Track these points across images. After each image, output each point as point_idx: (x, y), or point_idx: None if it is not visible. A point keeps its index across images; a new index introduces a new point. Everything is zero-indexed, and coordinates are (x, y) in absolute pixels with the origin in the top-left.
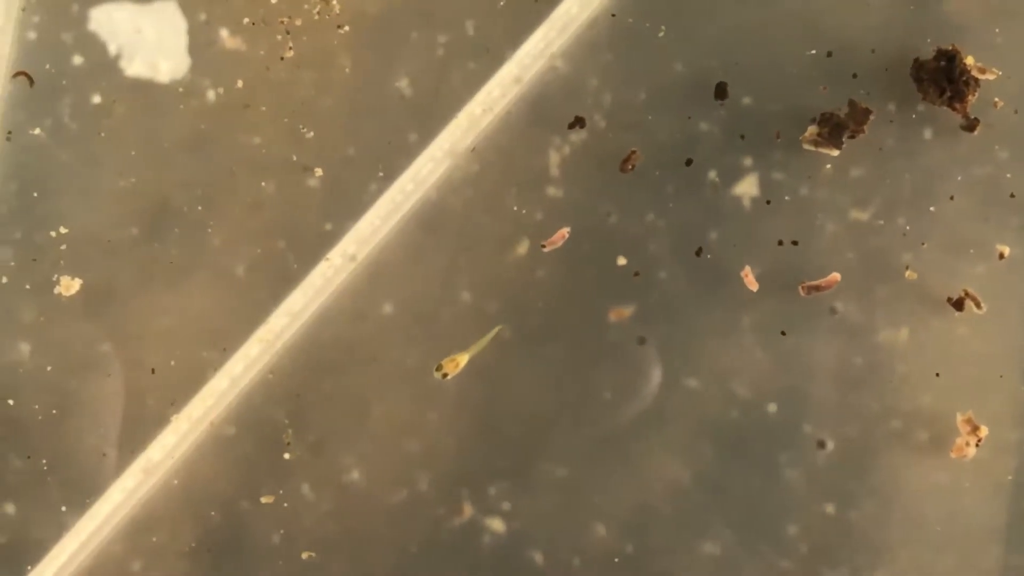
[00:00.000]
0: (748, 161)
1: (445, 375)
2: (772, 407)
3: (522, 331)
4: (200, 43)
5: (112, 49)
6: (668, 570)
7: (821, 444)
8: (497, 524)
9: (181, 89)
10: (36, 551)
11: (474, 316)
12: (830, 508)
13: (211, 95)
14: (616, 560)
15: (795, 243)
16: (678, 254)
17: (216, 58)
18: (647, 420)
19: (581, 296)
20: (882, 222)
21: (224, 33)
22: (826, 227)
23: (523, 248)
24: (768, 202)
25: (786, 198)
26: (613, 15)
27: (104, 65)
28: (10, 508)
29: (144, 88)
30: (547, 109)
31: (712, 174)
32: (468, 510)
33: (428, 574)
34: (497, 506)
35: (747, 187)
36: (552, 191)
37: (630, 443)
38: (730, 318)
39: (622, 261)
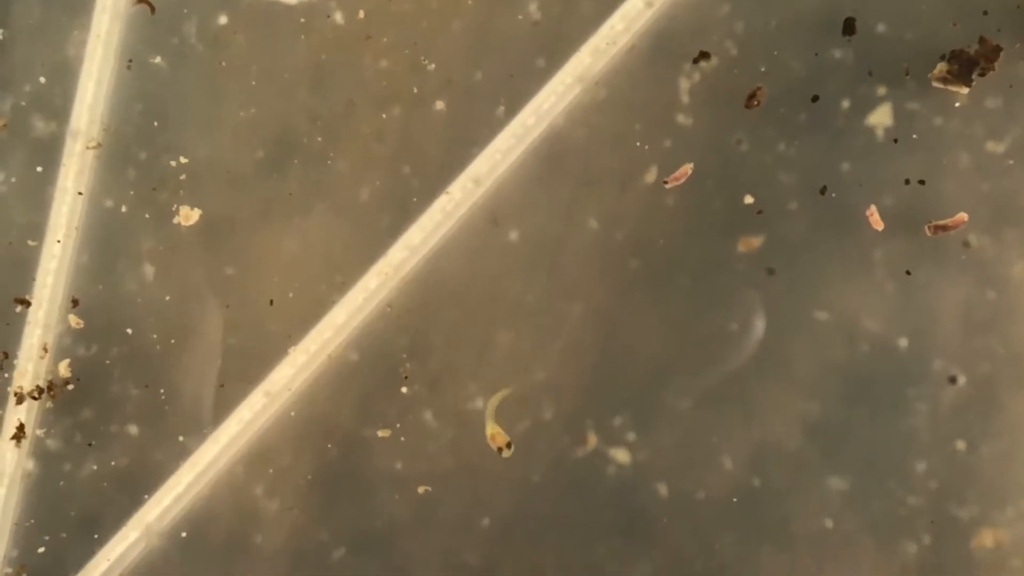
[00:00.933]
0: (881, 92)
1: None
2: (902, 342)
3: (648, 262)
4: None
5: None
6: (794, 505)
7: (952, 380)
8: (622, 455)
9: (303, 19)
10: (155, 477)
11: (599, 247)
12: (960, 445)
13: (337, 18)
14: (741, 495)
15: (922, 182)
16: (803, 192)
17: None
18: (772, 355)
19: (708, 229)
20: (1012, 161)
21: None
22: (954, 166)
23: (650, 176)
24: (896, 140)
25: (913, 136)
26: None
27: None
28: (133, 430)
29: (267, 11)
30: (674, 41)
31: (845, 103)
32: (593, 440)
33: (550, 506)
34: (622, 437)
35: (880, 118)
36: (681, 120)
37: (754, 378)
38: (856, 256)
39: (748, 200)
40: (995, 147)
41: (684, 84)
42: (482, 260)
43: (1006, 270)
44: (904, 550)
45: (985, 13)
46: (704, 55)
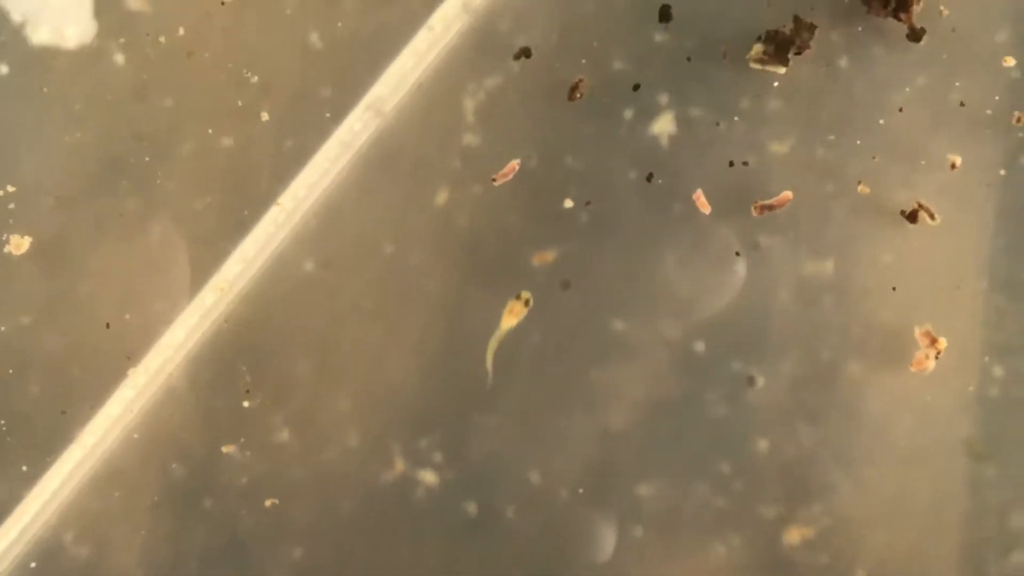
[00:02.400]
0: (695, 84)
1: None
2: (698, 346)
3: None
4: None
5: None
6: (604, 515)
7: (751, 381)
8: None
9: (122, 39)
10: (0, 509)
11: (434, 253)
12: (762, 445)
13: (159, 39)
14: (550, 509)
15: (746, 163)
16: (629, 181)
17: (124, 19)
18: (571, 367)
19: (503, 244)
20: (832, 137)
21: None
22: (776, 146)
23: (442, 197)
24: (718, 124)
25: (735, 119)
26: None
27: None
28: None
29: (55, 51)
30: (493, 38)
31: (663, 98)
32: (400, 465)
33: (393, 515)
34: (429, 458)
35: (694, 111)
36: (498, 120)
37: (556, 391)
38: (683, 241)
39: (568, 203)
40: (808, 131)
41: (470, 104)
42: (317, 270)
43: (827, 252)
44: (714, 552)
45: None
46: (524, 50)
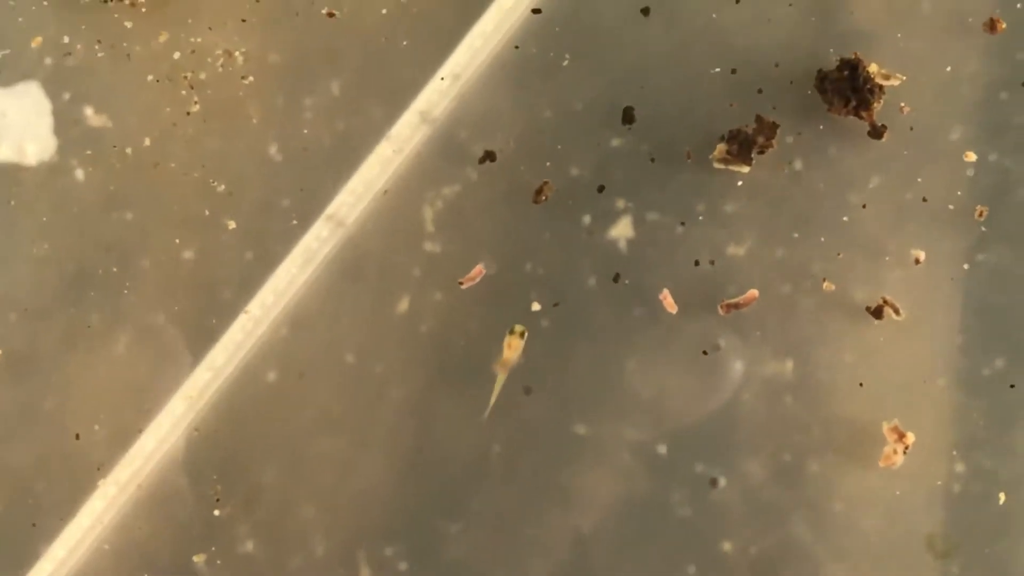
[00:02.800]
0: (659, 184)
1: None
2: (661, 448)
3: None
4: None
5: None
6: None
7: (713, 483)
8: None
9: (88, 151)
10: None
11: (399, 360)
12: (727, 546)
13: (127, 151)
14: None
15: (712, 263)
16: (595, 282)
17: (86, 135)
18: (537, 473)
19: (462, 352)
20: (797, 235)
21: (89, 112)
22: (741, 245)
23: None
24: (682, 224)
25: (700, 218)
26: (516, 47)
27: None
28: None
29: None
30: (457, 144)
31: (621, 202)
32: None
33: None
34: (395, 567)
35: (656, 213)
36: (462, 227)
37: (522, 495)
38: (649, 342)
39: (536, 306)
40: (774, 229)
41: (429, 212)
42: (287, 377)
43: (794, 349)
44: None
45: (760, 91)
46: (489, 154)
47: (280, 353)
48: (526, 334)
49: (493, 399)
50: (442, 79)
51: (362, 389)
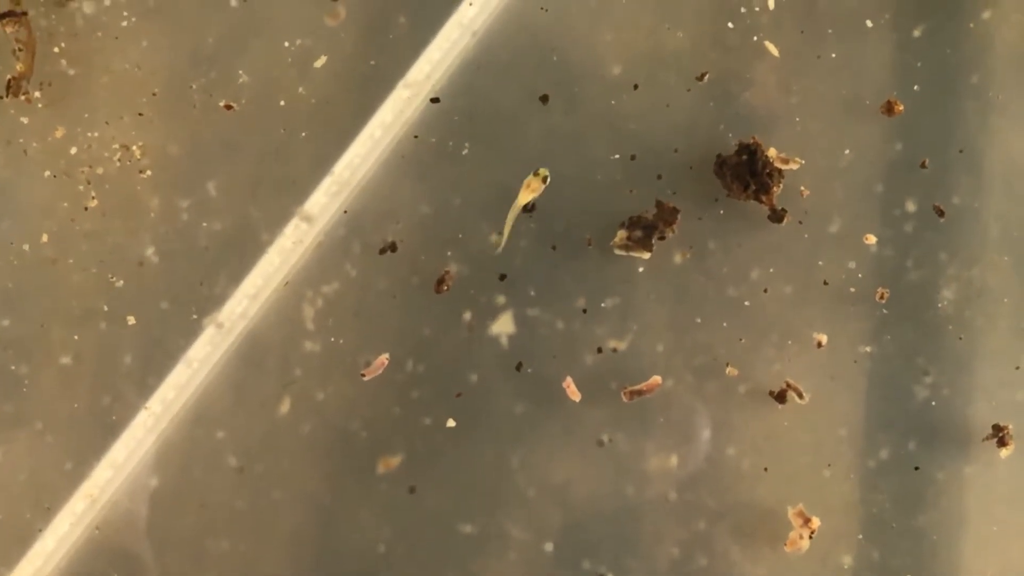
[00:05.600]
0: (561, 272)
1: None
2: (547, 546)
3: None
4: None
5: None
6: None
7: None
8: None
9: None
10: None
11: (291, 458)
12: None
13: (13, 253)
14: None
15: (614, 350)
16: (498, 371)
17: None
18: (436, 568)
19: (347, 453)
20: (699, 320)
21: None
22: (645, 330)
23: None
24: (584, 311)
25: (602, 305)
26: (416, 136)
27: None
28: None
29: None
30: (359, 233)
31: (523, 290)
32: None
33: None
34: None
35: (558, 301)
36: (369, 315)
37: None
38: (547, 433)
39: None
40: (675, 314)
41: (308, 311)
42: (188, 474)
43: (698, 434)
44: None
45: (659, 177)
46: (391, 245)
47: (180, 451)
48: (548, 178)
49: (506, 233)
50: (342, 169)
51: (253, 489)
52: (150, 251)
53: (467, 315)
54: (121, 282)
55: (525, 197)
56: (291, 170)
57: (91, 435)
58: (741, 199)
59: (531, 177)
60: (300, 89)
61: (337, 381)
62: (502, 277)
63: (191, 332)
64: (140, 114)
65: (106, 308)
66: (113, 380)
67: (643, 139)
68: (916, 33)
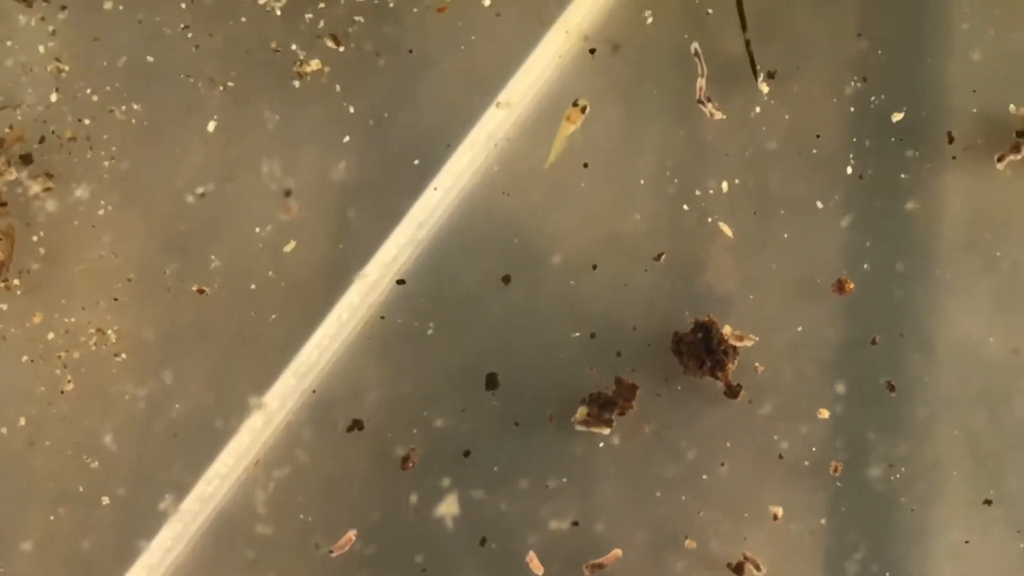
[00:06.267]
0: (523, 448)
1: None
2: None
3: None
4: None
5: None
6: None
7: None
8: None
9: None
10: None
11: None
12: None
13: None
14: None
15: (575, 523)
16: (462, 545)
17: None
18: None
19: None
20: (659, 494)
21: None
22: (605, 504)
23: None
24: (547, 485)
25: (564, 480)
26: (382, 317)
27: None
28: None
29: None
30: (326, 413)
31: (486, 466)
32: None
33: None
34: None
35: (521, 476)
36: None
37: None
38: None
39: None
40: (634, 491)
41: (260, 495)
42: None
43: None
44: None
45: (618, 354)
46: (357, 423)
47: None
48: (588, 108)
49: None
50: (311, 350)
51: None
52: (124, 431)
53: (431, 489)
54: (95, 463)
55: (567, 128)
56: (261, 352)
57: None
58: (697, 376)
59: (571, 108)
60: (270, 273)
61: (296, 561)
62: (466, 454)
63: (162, 516)
64: (115, 299)
65: (81, 489)
66: (88, 561)
67: (602, 318)
68: (865, 214)
